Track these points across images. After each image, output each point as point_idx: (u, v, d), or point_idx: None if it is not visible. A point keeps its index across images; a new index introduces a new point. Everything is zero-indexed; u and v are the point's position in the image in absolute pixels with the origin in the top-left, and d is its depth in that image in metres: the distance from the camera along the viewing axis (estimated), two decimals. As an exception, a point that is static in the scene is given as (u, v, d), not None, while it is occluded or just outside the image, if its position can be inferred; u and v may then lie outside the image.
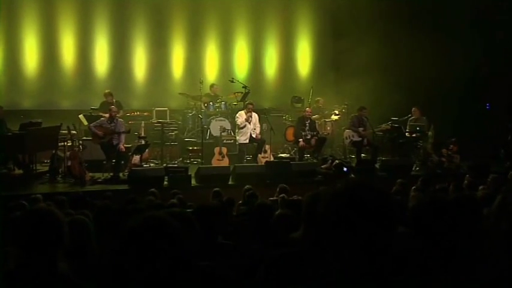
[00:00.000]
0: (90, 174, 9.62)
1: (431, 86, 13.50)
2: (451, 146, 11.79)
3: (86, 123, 11.09)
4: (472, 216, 3.01)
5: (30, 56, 12.78)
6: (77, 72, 13.06)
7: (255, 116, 11.57)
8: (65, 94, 12.99)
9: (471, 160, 10.99)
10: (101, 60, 13.28)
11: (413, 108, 12.37)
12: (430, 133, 12.05)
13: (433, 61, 13.27)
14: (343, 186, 1.53)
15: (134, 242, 1.75)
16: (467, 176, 7.74)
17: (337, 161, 10.48)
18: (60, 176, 9.63)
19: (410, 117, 12.43)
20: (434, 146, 11.99)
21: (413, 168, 11.19)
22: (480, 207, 3.28)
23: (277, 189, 7.41)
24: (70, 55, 13.03)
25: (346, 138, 12.04)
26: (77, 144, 9.97)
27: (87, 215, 4.23)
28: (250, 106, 11.43)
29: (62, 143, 9.81)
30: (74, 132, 9.94)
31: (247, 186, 7.41)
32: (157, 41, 13.70)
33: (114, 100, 11.69)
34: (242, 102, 12.35)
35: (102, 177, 9.64)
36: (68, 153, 9.66)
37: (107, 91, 11.84)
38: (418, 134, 12.13)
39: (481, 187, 6.32)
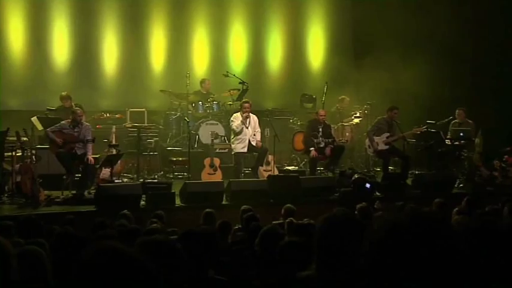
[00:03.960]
0: (46, 192, 9.58)
1: (481, 81, 13.48)
2: (506, 156, 11.75)
3: (40, 127, 11.07)
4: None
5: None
6: (28, 64, 13.07)
7: (253, 118, 11.57)
8: (13, 91, 12.98)
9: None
10: (60, 48, 13.28)
11: (457, 111, 12.34)
12: (477, 140, 12.02)
13: (484, 47, 13.23)
14: (405, 217, 1.60)
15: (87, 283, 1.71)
16: (528, 195, 7.71)
17: (356, 175, 10.45)
18: (6, 195, 9.57)
19: (452, 120, 12.41)
20: (483, 156, 11.97)
21: (455, 185, 11.17)
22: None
23: (282, 211, 7.40)
24: (19, 41, 13.04)
25: (369, 147, 12.03)
26: (29, 154, 9.93)
27: (42, 244, 4.19)
28: (247, 105, 11.43)
29: (9, 153, 9.76)
30: (24, 139, 9.90)
31: (244, 207, 7.39)
32: (131, 24, 13.73)
33: (73, 104, 11.63)
34: (239, 102, 12.35)
35: (62, 196, 9.59)
36: (17, 165, 9.62)
37: (64, 93, 11.79)
38: (462, 141, 12.10)
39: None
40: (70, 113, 10.66)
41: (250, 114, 11.48)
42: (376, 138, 11.79)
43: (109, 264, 1.69)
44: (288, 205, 7.56)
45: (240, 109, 11.58)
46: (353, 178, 10.42)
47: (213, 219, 7.07)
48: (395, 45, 13.15)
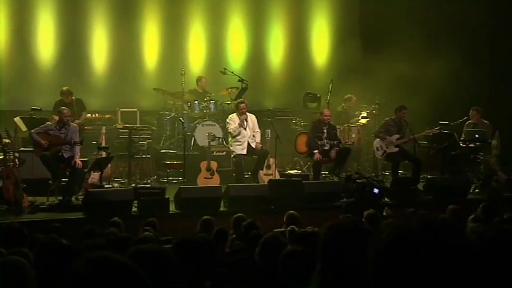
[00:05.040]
0: (30, 198, 9.58)
1: (499, 79, 13.42)
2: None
3: (24, 128, 11.07)
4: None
5: None
6: (11, 60, 13.04)
7: (251, 117, 11.57)
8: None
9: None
10: (45, 43, 13.27)
11: (471, 111, 12.31)
12: (494, 142, 12.00)
13: (503, 44, 13.16)
14: (415, 225, 1.60)
15: None
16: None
17: (358, 180, 10.39)
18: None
19: (466, 120, 12.40)
20: (500, 159, 11.95)
21: (471, 190, 11.18)
22: None
23: (285, 218, 7.41)
24: (1, 36, 13.01)
25: (378, 150, 12.02)
26: (12, 157, 9.93)
27: (26, 254, 4.19)
28: (243, 106, 11.43)
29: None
30: (7, 140, 9.91)
31: (239, 215, 7.38)
32: (122, 18, 13.70)
33: (73, 98, 11.68)
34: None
35: (47, 203, 9.59)
36: (-1, 169, 9.63)
37: (65, 88, 11.75)
38: (477, 143, 12.09)
39: None
40: (69, 109, 10.70)
41: (248, 113, 11.48)
42: (385, 140, 11.79)
43: (102, 276, 1.68)
44: (291, 212, 7.56)
45: (236, 110, 11.58)
46: (357, 184, 10.37)
47: (211, 227, 7.06)
48: (408, 39, 13.11)
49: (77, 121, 11.14)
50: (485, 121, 12.33)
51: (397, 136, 11.77)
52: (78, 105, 11.69)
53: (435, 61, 12.73)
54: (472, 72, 12.93)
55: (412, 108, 11.95)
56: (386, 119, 12.21)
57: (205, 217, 7.44)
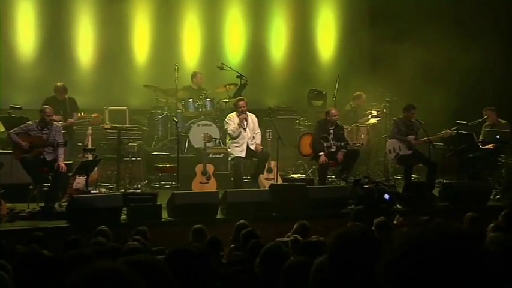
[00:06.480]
0: (9, 205, 9.58)
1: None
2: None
3: (2, 128, 11.09)
4: None
5: None
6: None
7: (251, 117, 11.58)
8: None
9: None
10: (25, 35, 13.28)
11: (485, 111, 12.27)
12: (517, 144, 12.03)
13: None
14: (429, 234, 1.59)
15: None
16: None
17: (367, 184, 10.38)
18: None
19: (485, 121, 12.39)
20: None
21: (491, 196, 11.18)
22: None
23: (295, 226, 7.41)
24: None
25: (390, 152, 12.02)
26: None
27: (4, 266, 4.19)
28: (242, 103, 11.44)
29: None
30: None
31: (240, 222, 7.39)
32: (110, 7, 13.68)
33: (66, 97, 11.69)
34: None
35: (28, 210, 9.59)
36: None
37: (59, 84, 11.76)
38: (498, 145, 12.09)
39: None
40: (61, 107, 10.69)
41: (248, 113, 11.48)
42: (399, 143, 11.78)
43: None
44: (303, 221, 7.52)
45: (235, 109, 11.58)
46: (367, 189, 10.36)
47: (203, 237, 7.06)
48: (425, 30, 13.11)
49: (69, 120, 11.20)
50: (502, 121, 12.31)
51: (413, 137, 11.76)
52: (71, 104, 11.69)
53: (455, 54, 12.68)
54: (496, 67, 12.93)
55: (428, 106, 11.95)
56: (394, 118, 12.22)
57: (196, 226, 7.44)
